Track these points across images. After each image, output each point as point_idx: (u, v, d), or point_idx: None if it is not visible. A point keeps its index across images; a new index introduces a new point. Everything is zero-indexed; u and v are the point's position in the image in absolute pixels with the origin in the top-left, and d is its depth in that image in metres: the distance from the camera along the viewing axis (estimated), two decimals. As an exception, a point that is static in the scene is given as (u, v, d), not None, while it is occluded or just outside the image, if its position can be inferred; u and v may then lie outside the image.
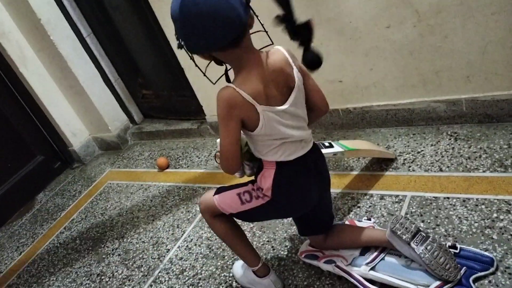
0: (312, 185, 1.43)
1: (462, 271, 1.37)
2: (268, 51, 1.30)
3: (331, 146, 1.90)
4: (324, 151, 1.82)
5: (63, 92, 3.46)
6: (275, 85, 1.26)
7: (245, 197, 1.45)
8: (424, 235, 1.40)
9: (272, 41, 1.31)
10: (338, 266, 1.55)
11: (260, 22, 1.24)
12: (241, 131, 1.31)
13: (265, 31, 1.27)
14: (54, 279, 2.37)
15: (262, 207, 1.43)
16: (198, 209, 2.36)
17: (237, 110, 1.22)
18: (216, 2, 1.10)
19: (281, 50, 1.31)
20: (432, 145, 2.04)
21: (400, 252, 1.46)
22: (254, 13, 1.21)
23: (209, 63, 1.29)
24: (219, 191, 1.54)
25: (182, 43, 1.19)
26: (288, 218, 1.93)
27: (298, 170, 1.39)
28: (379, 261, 1.50)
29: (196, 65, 1.28)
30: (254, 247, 1.88)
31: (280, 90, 1.27)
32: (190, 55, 1.24)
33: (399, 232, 1.41)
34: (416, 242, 1.39)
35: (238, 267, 1.77)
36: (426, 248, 1.37)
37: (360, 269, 1.50)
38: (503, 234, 1.49)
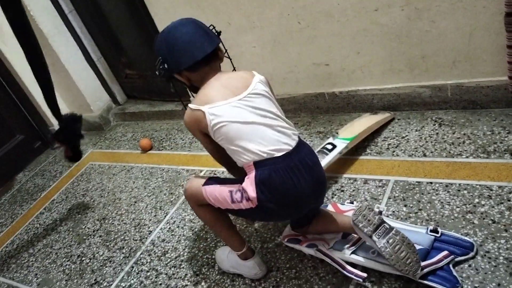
0: (302, 184, 1.37)
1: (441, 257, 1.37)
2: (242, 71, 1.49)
3: (334, 147, 1.92)
4: (328, 157, 1.88)
5: (44, 70, 3.36)
6: (226, 87, 1.40)
7: (236, 195, 1.40)
8: (388, 227, 1.36)
9: (234, 67, 1.59)
10: (320, 250, 1.55)
11: (225, 49, 1.53)
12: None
13: (229, 58, 1.57)
14: (34, 260, 2.33)
15: (252, 210, 1.40)
16: (181, 191, 2.34)
17: (194, 123, 1.41)
18: (184, 34, 1.40)
19: (253, 72, 1.47)
20: (416, 130, 2.04)
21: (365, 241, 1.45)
22: (223, 44, 1.51)
23: (185, 85, 1.50)
24: (209, 182, 1.49)
25: (163, 66, 1.43)
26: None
27: (282, 169, 1.33)
28: (360, 245, 1.51)
29: (174, 88, 1.55)
30: (238, 229, 1.88)
31: (232, 90, 1.39)
32: (170, 78, 1.49)
33: (360, 225, 1.38)
34: (378, 235, 1.35)
35: (221, 254, 1.74)
36: (387, 242, 1.33)
37: (342, 253, 1.51)
38: (484, 219, 1.50)
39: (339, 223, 1.52)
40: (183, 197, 2.17)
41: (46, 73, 2.02)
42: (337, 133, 2.02)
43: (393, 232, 1.35)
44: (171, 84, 1.53)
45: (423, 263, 1.35)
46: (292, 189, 1.36)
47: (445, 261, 1.35)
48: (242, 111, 1.35)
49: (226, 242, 1.65)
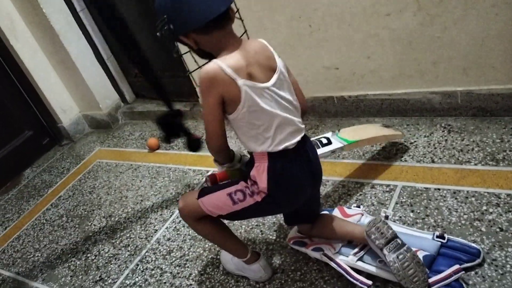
0: (305, 177, 1.39)
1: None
2: (250, 39, 1.33)
3: (329, 142, 1.83)
4: (321, 150, 1.78)
5: (54, 67, 3.39)
6: (257, 65, 1.26)
7: (237, 196, 1.38)
8: (400, 242, 1.35)
9: (245, 29, 1.34)
10: (325, 255, 1.54)
11: (239, 13, 1.30)
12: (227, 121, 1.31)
13: (241, 19, 1.32)
14: (39, 255, 2.34)
15: (257, 204, 1.38)
16: (187, 191, 2.34)
17: (217, 85, 1.22)
18: None
19: (263, 41, 1.34)
20: (425, 136, 2.04)
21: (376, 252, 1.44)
22: (235, 5, 1.28)
23: (192, 49, 1.31)
24: (203, 193, 1.45)
25: (168, 26, 1.21)
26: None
27: (291, 161, 1.34)
28: (366, 251, 1.49)
29: (177, 53, 1.34)
30: (243, 231, 1.89)
31: (262, 70, 1.27)
32: (174, 42, 1.28)
33: (373, 237, 1.38)
34: (389, 249, 1.34)
35: (226, 256, 1.73)
36: (397, 257, 1.32)
37: (347, 259, 1.50)
38: (491, 226, 1.49)
39: (351, 230, 1.51)
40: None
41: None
42: (338, 130, 1.96)
43: (404, 248, 1.34)
44: (174, 48, 1.34)
45: (431, 280, 1.33)
46: (297, 181, 1.37)
47: (455, 276, 1.33)
48: (272, 99, 1.27)
49: (230, 252, 1.64)
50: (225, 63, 1.21)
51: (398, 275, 1.31)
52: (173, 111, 2.00)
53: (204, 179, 2.06)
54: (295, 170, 1.35)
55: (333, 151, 1.82)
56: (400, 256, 1.32)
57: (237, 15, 1.29)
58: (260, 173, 1.34)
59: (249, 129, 1.31)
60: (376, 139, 1.99)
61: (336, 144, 1.83)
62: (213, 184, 1.47)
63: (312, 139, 1.80)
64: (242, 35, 1.32)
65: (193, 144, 1.91)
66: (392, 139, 2.03)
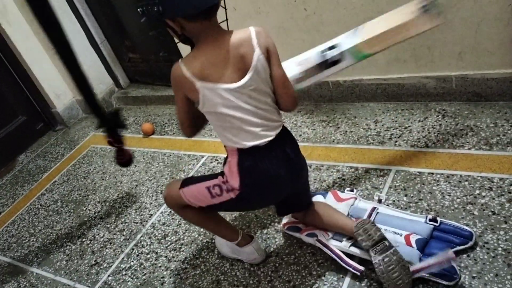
0: (281, 173, 1.36)
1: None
2: (235, 30, 1.28)
3: (337, 60, 1.53)
4: (326, 72, 1.57)
5: (47, 51, 3.35)
6: (225, 65, 1.24)
7: (215, 190, 1.40)
8: (387, 244, 1.35)
9: (227, 18, 1.31)
10: (319, 240, 1.55)
11: (224, 2, 1.29)
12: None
13: (225, 7, 1.31)
14: (34, 240, 2.35)
15: (232, 200, 1.38)
16: (183, 176, 2.35)
17: (180, 85, 1.27)
18: None
19: (250, 30, 1.27)
20: (419, 121, 2.04)
21: None
22: None
23: (174, 34, 1.28)
24: (185, 183, 1.47)
25: (158, 8, 1.18)
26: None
27: (263, 158, 1.32)
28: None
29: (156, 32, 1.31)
30: (238, 215, 1.90)
31: (233, 69, 1.24)
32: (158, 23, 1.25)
33: (359, 238, 1.39)
34: (375, 251, 1.35)
35: (220, 239, 1.74)
36: (383, 260, 1.32)
37: (341, 244, 1.51)
38: (484, 210, 1.51)
39: (341, 225, 1.51)
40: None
41: (79, 70, 1.91)
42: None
43: (391, 251, 1.33)
44: (155, 28, 1.32)
45: (421, 265, 1.33)
46: (271, 177, 1.35)
47: (446, 264, 1.30)
48: (239, 100, 1.26)
49: (220, 236, 1.67)
50: (187, 65, 1.23)
51: (382, 277, 1.33)
52: (110, 114, 2.08)
53: None
54: (268, 167, 1.33)
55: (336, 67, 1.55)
56: (386, 259, 1.32)
57: (222, 3, 1.28)
58: (231, 171, 1.34)
59: (216, 125, 1.33)
60: (401, 33, 1.52)
61: (348, 59, 1.56)
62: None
63: (315, 50, 1.63)
64: (222, 21, 1.28)
65: (123, 163, 2.09)
66: (423, 29, 1.51)
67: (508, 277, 1.28)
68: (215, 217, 1.60)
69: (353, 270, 1.43)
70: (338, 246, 1.51)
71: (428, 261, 1.31)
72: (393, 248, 1.34)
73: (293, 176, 1.40)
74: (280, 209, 1.62)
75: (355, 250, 1.48)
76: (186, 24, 1.23)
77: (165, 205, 2.17)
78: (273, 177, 1.35)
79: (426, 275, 1.32)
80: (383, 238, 1.37)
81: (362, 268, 1.42)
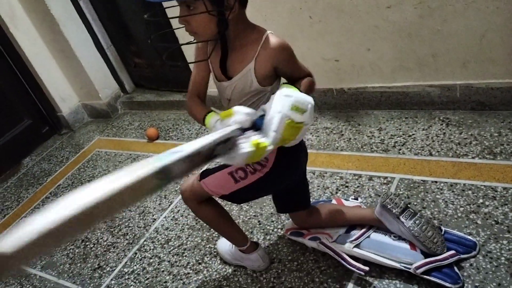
0: (303, 153, 1.44)
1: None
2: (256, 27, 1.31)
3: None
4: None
5: (54, 55, 3.38)
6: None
7: (238, 174, 1.38)
8: (413, 211, 1.44)
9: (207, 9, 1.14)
10: (322, 243, 1.56)
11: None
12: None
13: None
14: (38, 243, 2.35)
15: (258, 182, 1.37)
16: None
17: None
18: None
19: (263, 36, 1.27)
20: (423, 129, 2.04)
21: (389, 228, 1.47)
22: None
23: (219, 15, 1.16)
24: (204, 174, 1.46)
25: None
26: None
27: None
28: (364, 239, 1.51)
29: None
30: (241, 221, 1.90)
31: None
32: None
33: (389, 206, 1.44)
34: (405, 217, 1.42)
35: (223, 246, 1.74)
36: (414, 222, 1.41)
37: (344, 246, 1.51)
38: (487, 219, 1.51)
39: (357, 213, 1.57)
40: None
41: None
42: None
43: (418, 215, 1.43)
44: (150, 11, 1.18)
45: (426, 260, 1.36)
46: (299, 156, 1.42)
47: (451, 260, 1.35)
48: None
49: (229, 239, 1.65)
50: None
51: (420, 237, 1.38)
52: None
53: None
54: (299, 144, 1.33)
55: None
56: (417, 221, 1.41)
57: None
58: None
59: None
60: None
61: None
62: None
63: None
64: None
65: None
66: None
67: (511, 286, 1.28)
68: (229, 218, 1.60)
69: (357, 271, 1.43)
70: (341, 248, 1.52)
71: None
72: (419, 213, 1.44)
73: (305, 158, 1.48)
74: (280, 206, 1.62)
75: (359, 251, 1.48)
76: (238, 9, 1.18)
77: (168, 210, 2.18)
78: (299, 156, 1.43)
79: (432, 278, 1.33)
80: (407, 206, 1.46)
81: (366, 268, 1.42)
